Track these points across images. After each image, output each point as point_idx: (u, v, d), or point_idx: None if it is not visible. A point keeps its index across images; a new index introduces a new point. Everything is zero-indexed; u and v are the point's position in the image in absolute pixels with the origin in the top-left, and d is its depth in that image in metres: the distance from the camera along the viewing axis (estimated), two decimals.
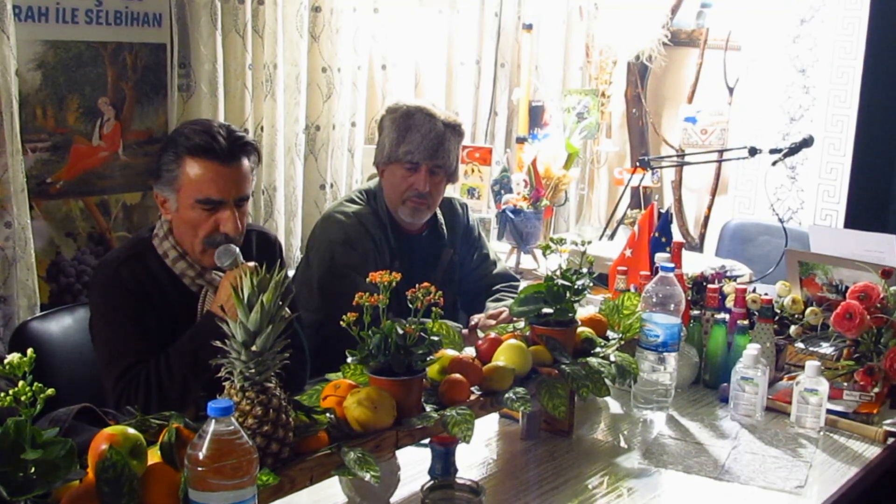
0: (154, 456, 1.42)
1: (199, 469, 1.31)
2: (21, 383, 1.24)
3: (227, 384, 1.54)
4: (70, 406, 1.61)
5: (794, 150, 3.50)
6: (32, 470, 1.24)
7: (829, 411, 2.26)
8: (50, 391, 1.25)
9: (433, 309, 1.80)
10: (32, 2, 2.79)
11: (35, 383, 1.24)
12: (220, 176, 2.19)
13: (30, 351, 1.27)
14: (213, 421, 1.32)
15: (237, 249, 2.18)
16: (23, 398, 1.23)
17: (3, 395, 1.24)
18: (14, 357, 1.25)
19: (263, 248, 2.45)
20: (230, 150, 2.20)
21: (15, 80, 2.70)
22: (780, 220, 3.70)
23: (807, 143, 3.53)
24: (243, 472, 1.33)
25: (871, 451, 2.19)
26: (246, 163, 2.24)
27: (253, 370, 1.51)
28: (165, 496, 1.37)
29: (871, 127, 4.06)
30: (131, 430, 1.39)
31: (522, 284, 2.95)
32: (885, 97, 4.03)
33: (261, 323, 1.50)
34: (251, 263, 2.15)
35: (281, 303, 1.54)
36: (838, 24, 4.27)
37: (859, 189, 4.13)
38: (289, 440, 1.54)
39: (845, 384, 2.38)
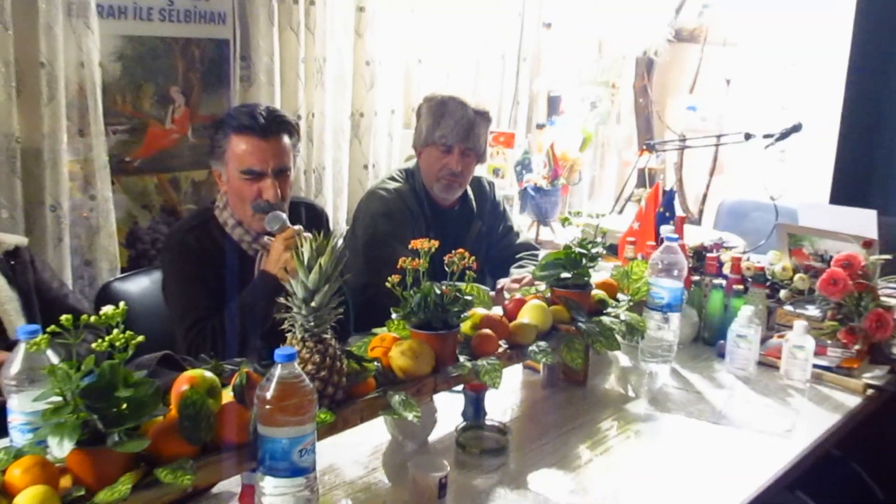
0: (227, 396, 1.45)
1: (267, 407, 1.34)
2: (115, 331, 1.27)
3: (289, 335, 1.56)
4: (152, 353, 1.65)
5: (784, 135, 3.45)
6: (124, 406, 1.27)
7: (814, 366, 2.26)
8: (140, 338, 1.27)
9: (467, 272, 1.81)
10: (113, 1, 2.82)
11: (127, 331, 1.27)
12: (259, 149, 2.21)
13: (122, 303, 1.29)
14: (280, 366, 1.35)
15: (284, 215, 2.20)
16: (117, 343, 1.26)
17: (99, 341, 1.26)
18: (108, 309, 1.28)
19: (311, 217, 2.47)
20: (268, 126, 2.22)
21: (98, 70, 2.74)
22: (772, 198, 3.67)
23: (796, 128, 3.48)
24: (304, 411, 1.35)
25: (853, 401, 2.19)
26: (284, 138, 2.25)
27: (312, 323, 1.53)
28: (237, 430, 1.40)
29: (854, 114, 3.99)
30: (208, 374, 1.42)
31: (542, 253, 2.96)
32: (867, 88, 3.97)
33: (319, 282, 1.52)
34: (297, 226, 2.18)
35: (336, 265, 1.56)
36: (826, 21, 4.21)
37: (843, 170, 4.07)
38: (342, 384, 1.57)
39: (829, 342, 2.37)
